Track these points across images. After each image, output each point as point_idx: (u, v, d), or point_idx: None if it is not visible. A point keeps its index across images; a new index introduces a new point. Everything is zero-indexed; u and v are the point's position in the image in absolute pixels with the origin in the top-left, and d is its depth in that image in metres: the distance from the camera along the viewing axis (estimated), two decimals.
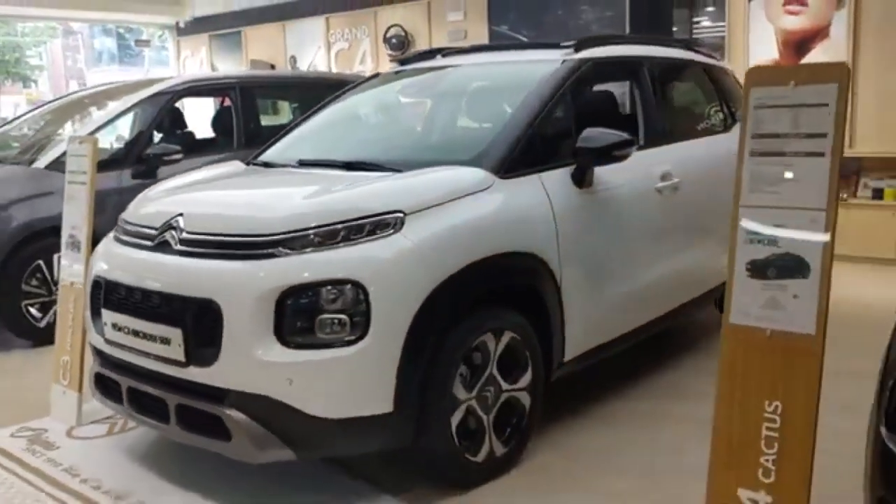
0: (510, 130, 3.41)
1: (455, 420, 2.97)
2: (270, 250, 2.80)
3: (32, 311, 5.20)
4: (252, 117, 6.51)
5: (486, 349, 3.08)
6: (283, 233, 2.81)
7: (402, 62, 4.65)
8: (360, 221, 2.84)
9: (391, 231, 2.84)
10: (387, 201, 2.92)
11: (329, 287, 2.72)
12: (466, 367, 3.03)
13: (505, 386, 3.17)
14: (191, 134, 7.19)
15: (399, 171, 3.28)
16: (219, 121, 6.74)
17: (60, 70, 42.92)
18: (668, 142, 4.26)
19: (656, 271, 3.98)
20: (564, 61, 3.83)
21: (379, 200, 2.93)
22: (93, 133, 5.53)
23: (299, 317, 2.73)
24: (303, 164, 3.74)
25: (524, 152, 3.37)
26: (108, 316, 3.16)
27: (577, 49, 3.95)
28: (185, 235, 3.01)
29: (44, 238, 5.06)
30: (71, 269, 3.88)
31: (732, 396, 2.30)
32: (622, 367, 4.38)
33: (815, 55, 6.99)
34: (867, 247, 6.83)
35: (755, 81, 2.30)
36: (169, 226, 3.08)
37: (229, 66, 11.98)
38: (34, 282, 5.19)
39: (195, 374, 2.83)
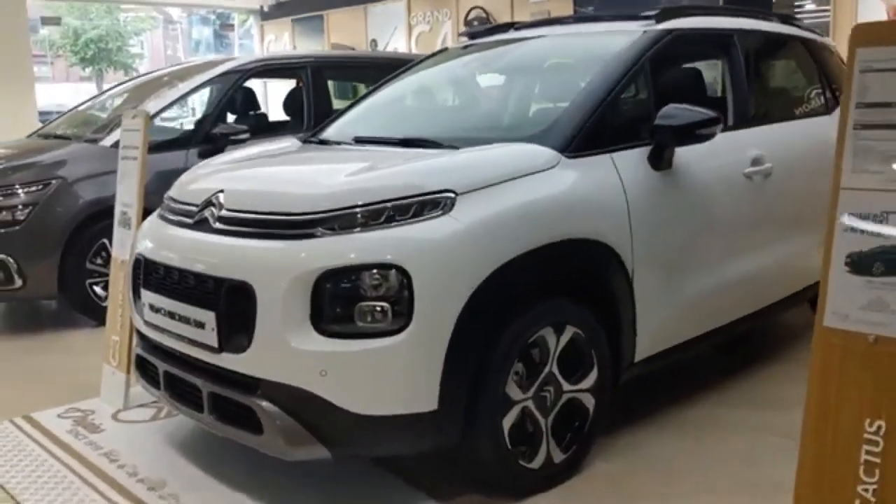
0: (580, 106, 3.10)
1: (508, 422, 2.70)
2: (309, 230, 2.58)
3: (97, 289, 5.17)
4: (323, 98, 6.36)
5: (545, 345, 2.79)
6: (323, 211, 2.59)
7: (472, 36, 4.38)
8: (405, 201, 2.59)
9: (440, 212, 2.58)
10: (436, 179, 2.66)
11: (370, 271, 2.49)
12: (523, 364, 2.75)
13: (566, 386, 2.88)
14: (263, 115, 7.11)
15: (456, 148, 3.01)
16: (290, 102, 6.61)
17: (160, 58, 44.36)
18: (761, 123, 3.87)
19: (743, 265, 3.60)
20: (645, 32, 3.49)
21: (428, 178, 2.68)
22: (160, 112, 5.48)
23: (337, 303, 2.50)
24: (358, 141, 3.52)
25: (595, 130, 3.05)
26: (146, 296, 3.01)
27: (659, 20, 3.59)
28: (224, 213, 2.82)
29: (108, 216, 4.98)
30: (122, 247, 3.77)
31: (825, 414, 1.96)
32: (701, 372, 4.01)
33: None
34: None
35: (863, 40, 1.94)
36: (209, 203, 2.90)
37: (310, 48, 11.94)
38: (99, 260, 5.15)
39: (228, 360, 2.65)
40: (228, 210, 2.82)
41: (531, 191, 2.76)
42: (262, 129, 6.17)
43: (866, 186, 1.92)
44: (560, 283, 2.86)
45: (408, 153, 3.08)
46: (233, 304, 2.61)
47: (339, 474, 2.97)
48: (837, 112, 4.50)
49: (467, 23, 9.67)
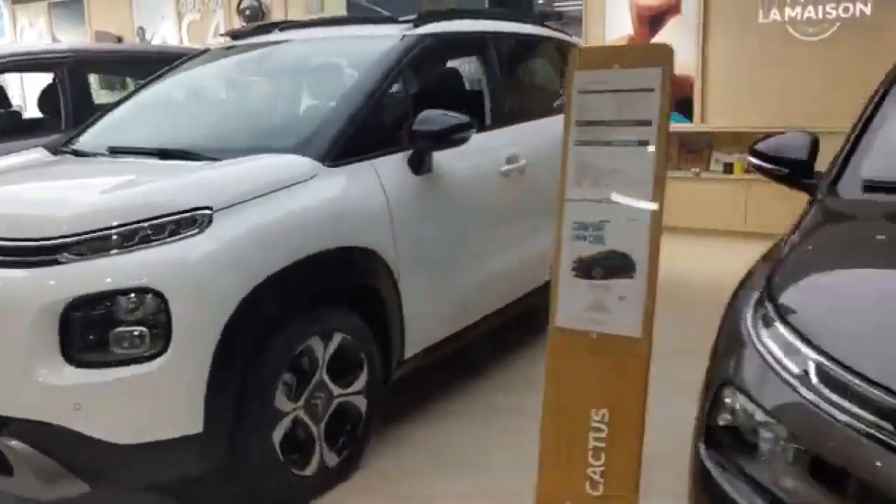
0: (339, 114, 3.14)
1: (278, 434, 2.72)
2: (54, 256, 2.44)
3: None
4: (84, 96, 5.95)
5: (313, 354, 2.83)
6: (70, 235, 2.45)
7: (234, 36, 4.28)
8: (160, 220, 2.51)
9: (196, 230, 2.53)
10: (192, 196, 2.60)
11: (124, 297, 2.40)
12: (292, 374, 2.78)
13: (337, 391, 2.94)
14: (16, 114, 6.58)
15: (217, 159, 2.96)
16: (45, 99, 6.15)
17: None
18: (516, 122, 4.09)
19: (504, 258, 3.83)
20: (404, 37, 3.58)
21: (183, 195, 2.61)
22: None
23: (90, 331, 2.40)
24: (113, 151, 3.36)
25: (355, 137, 3.11)
26: None
27: (418, 24, 3.70)
28: None
29: None
30: None
31: (559, 405, 2.15)
32: (462, 362, 4.15)
33: (668, 31, 7.02)
34: (719, 220, 6.97)
35: (580, 63, 2.13)
36: None
37: (72, 38, 11.11)
38: None
39: None
40: None
41: (290, 203, 2.77)
42: (15, 128, 5.71)
43: (586, 197, 2.11)
44: (326, 291, 2.90)
45: (166, 166, 2.98)
46: None
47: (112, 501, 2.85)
48: None
49: (240, 12, 9.40)
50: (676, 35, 6.97)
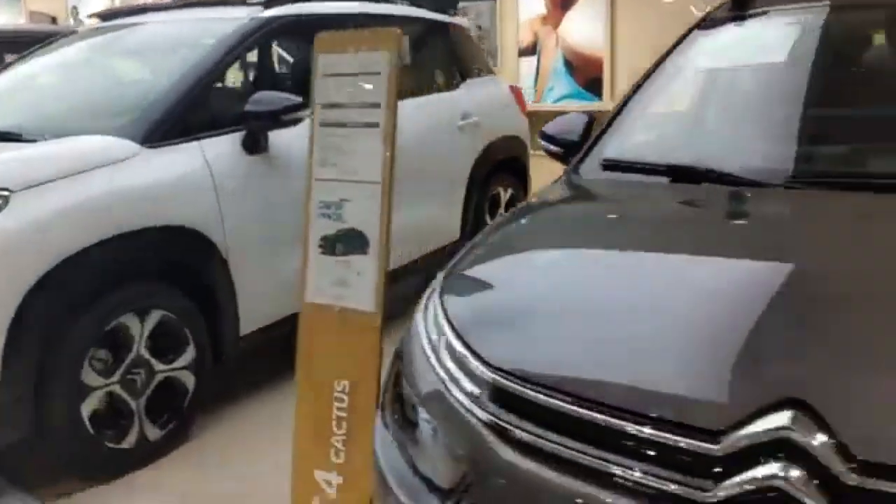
0: (165, 95, 3.20)
1: (87, 409, 2.80)
2: None
3: None
4: None
5: (128, 331, 2.90)
6: None
7: (103, 18, 4.32)
8: None
9: None
10: None
11: None
12: (108, 350, 2.86)
13: (160, 367, 3.02)
14: None
15: (36, 141, 3.02)
16: None
17: None
18: None
19: None
20: (252, 19, 3.64)
21: None
22: None
23: None
24: None
25: (182, 118, 3.17)
26: None
27: (268, 5, 3.76)
28: None
29: None
30: None
31: (310, 377, 2.24)
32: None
33: (577, 10, 7.08)
34: None
35: (322, 48, 2.20)
36: None
37: (7, 19, 11.05)
38: None
39: None
40: None
41: (99, 184, 2.83)
42: None
43: (330, 177, 2.19)
44: (141, 269, 2.97)
45: None
46: None
47: None
48: (463, 87, 4.92)
49: None
50: (586, 15, 7.03)
